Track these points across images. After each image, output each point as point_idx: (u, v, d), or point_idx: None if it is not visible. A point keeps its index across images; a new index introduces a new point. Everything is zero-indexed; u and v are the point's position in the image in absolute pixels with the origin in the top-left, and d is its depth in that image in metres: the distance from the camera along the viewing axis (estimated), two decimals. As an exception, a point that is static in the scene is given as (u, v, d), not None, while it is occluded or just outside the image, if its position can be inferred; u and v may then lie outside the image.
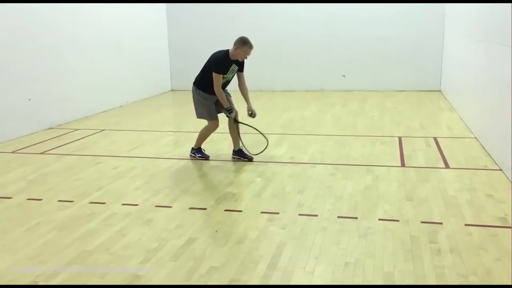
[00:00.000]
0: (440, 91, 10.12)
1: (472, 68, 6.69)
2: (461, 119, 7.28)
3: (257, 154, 5.46)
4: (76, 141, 6.63)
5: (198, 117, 5.53)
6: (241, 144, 5.48)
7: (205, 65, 5.30)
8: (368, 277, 2.95)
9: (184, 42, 11.25)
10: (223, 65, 5.15)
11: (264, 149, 5.46)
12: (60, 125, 7.68)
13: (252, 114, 5.39)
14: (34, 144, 6.48)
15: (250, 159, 5.43)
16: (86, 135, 6.97)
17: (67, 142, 6.57)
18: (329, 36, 10.53)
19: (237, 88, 5.41)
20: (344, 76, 10.67)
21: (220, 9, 10.82)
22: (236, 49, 5.11)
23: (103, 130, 7.31)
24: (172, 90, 11.57)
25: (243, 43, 5.08)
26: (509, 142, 4.65)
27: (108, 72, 9.01)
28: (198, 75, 5.38)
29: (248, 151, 5.50)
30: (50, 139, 6.78)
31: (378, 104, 8.94)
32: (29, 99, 7.11)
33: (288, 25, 10.52)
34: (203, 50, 11.15)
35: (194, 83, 5.37)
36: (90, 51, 8.49)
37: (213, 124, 5.43)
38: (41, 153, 6.06)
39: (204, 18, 10.96)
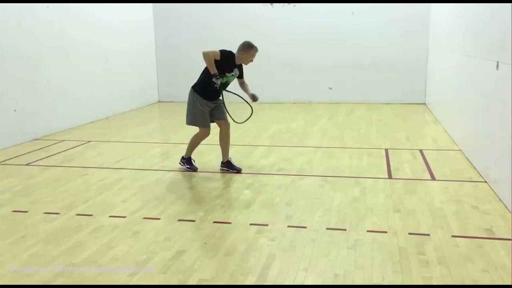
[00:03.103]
0: (425, 104, 10.26)
1: (456, 81, 6.82)
2: (445, 131, 7.39)
3: (243, 122, 5.46)
4: (62, 153, 6.57)
5: (188, 124, 5.43)
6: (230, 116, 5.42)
7: (205, 68, 5.25)
8: (358, 289, 2.96)
9: (171, 53, 11.28)
10: (229, 59, 5.15)
11: (249, 117, 5.45)
12: (46, 136, 7.60)
13: (254, 98, 5.33)
14: (19, 155, 6.40)
15: (238, 171, 5.43)
16: (72, 147, 6.91)
17: (52, 154, 6.50)
18: (317, 49, 10.65)
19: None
20: (330, 88, 10.77)
21: (208, 21, 10.90)
22: (243, 54, 5.17)
23: (90, 141, 7.26)
24: (159, 101, 11.55)
25: (250, 47, 5.17)
26: (492, 154, 4.73)
27: (94, 83, 8.97)
28: (198, 79, 5.35)
29: (235, 164, 5.52)
30: (35, 150, 6.71)
31: (364, 116, 9.03)
32: (15, 110, 7.04)
33: (275, 38, 10.62)
34: (190, 61, 11.24)
35: (193, 87, 5.33)
36: (76, 61, 8.45)
37: (204, 132, 5.39)
38: (27, 165, 5.98)
39: (191, 30, 11.02)
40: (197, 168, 5.56)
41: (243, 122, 5.49)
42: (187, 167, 5.54)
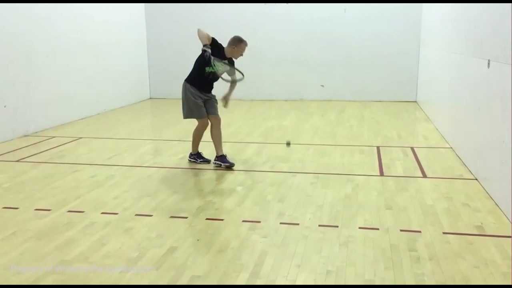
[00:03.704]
0: (416, 101, 10.32)
1: (447, 79, 6.86)
2: (436, 129, 7.44)
3: (232, 81, 5.51)
4: (52, 149, 6.52)
5: (185, 117, 5.49)
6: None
7: (197, 58, 5.40)
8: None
9: (163, 50, 11.23)
10: (219, 48, 5.29)
11: (240, 80, 5.52)
12: (36, 132, 7.55)
13: (225, 100, 5.54)
14: (9, 152, 6.35)
15: (231, 165, 5.43)
16: (63, 143, 6.86)
17: (43, 150, 6.45)
18: (308, 46, 10.67)
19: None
20: (322, 86, 10.79)
21: (200, 18, 10.83)
22: (234, 48, 5.31)
23: (81, 138, 7.21)
24: (150, 98, 11.51)
25: (240, 41, 5.32)
26: (483, 152, 4.77)
27: (85, 80, 8.91)
28: (191, 71, 5.48)
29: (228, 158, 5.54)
30: (25, 146, 6.65)
31: (356, 114, 9.07)
32: (5, 106, 6.97)
33: (266, 35, 10.62)
34: (182, 58, 11.20)
35: (185, 79, 5.43)
36: (67, 58, 8.38)
37: (202, 123, 5.46)
38: (17, 161, 5.93)
39: (184, 26, 10.95)
40: (209, 160, 5.61)
41: (233, 81, 5.52)
42: (200, 161, 5.61)
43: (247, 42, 5.36)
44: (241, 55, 5.38)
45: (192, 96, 5.32)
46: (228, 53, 5.34)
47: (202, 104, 5.39)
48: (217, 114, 5.51)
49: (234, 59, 5.44)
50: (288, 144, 5.71)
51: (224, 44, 5.36)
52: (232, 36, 5.41)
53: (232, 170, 5.40)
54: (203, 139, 5.66)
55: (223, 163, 5.45)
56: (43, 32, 7.78)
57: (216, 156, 5.53)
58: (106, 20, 9.53)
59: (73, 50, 8.53)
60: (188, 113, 5.43)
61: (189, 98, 5.33)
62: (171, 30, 11.13)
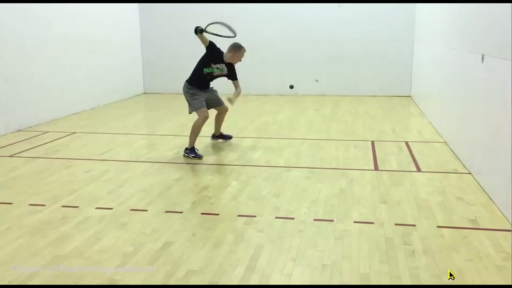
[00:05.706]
0: (410, 96, 10.35)
1: (441, 74, 6.88)
2: (431, 124, 7.47)
3: (227, 36, 5.68)
4: (46, 144, 6.48)
5: (190, 113, 5.88)
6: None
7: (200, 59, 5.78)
8: (345, 279, 2.99)
9: (157, 44, 11.18)
10: (217, 52, 5.67)
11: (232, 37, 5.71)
12: (30, 127, 7.49)
13: (231, 100, 5.79)
14: (2, 147, 6.30)
15: (230, 137, 6.28)
16: (56, 138, 6.82)
17: (37, 145, 6.41)
18: (303, 41, 10.65)
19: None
20: (317, 81, 10.79)
21: (194, 12, 10.79)
22: (234, 54, 5.67)
23: (74, 133, 7.17)
24: (144, 93, 11.46)
25: (239, 48, 5.71)
26: (477, 146, 4.80)
27: (79, 74, 8.85)
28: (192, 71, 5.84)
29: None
30: (19, 141, 6.61)
31: (350, 108, 9.08)
32: (-3, 101, 6.93)
33: (261, 30, 10.60)
34: (176, 52, 11.18)
35: (186, 80, 5.78)
36: (60, 52, 8.32)
37: (202, 114, 5.64)
38: (10, 156, 5.89)
39: (177, 21, 10.91)
40: (202, 156, 5.63)
41: (233, 36, 5.70)
42: (192, 156, 5.60)
43: (243, 39, 5.66)
44: (240, 60, 5.76)
45: (193, 93, 5.67)
46: (227, 59, 5.69)
47: (203, 99, 5.72)
48: (224, 105, 6.00)
49: (234, 64, 5.81)
50: (291, 87, 6.26)
51: (221, 44, 5.67)
52: (226, 31, 5.62)
53: (227, 164, 5.40)
54: (199, 134, 5.67)
55: (223, 138, 6.26)
56: (36, 26, 7.71)
57: (214, 135, 6.24)
58: (99, 14, 9.45)
59: (67, 44, 8.46)
60: (191, 109, 5.78)
61: (190, 95, 5.69)
62: (164, 25, 11.07)
